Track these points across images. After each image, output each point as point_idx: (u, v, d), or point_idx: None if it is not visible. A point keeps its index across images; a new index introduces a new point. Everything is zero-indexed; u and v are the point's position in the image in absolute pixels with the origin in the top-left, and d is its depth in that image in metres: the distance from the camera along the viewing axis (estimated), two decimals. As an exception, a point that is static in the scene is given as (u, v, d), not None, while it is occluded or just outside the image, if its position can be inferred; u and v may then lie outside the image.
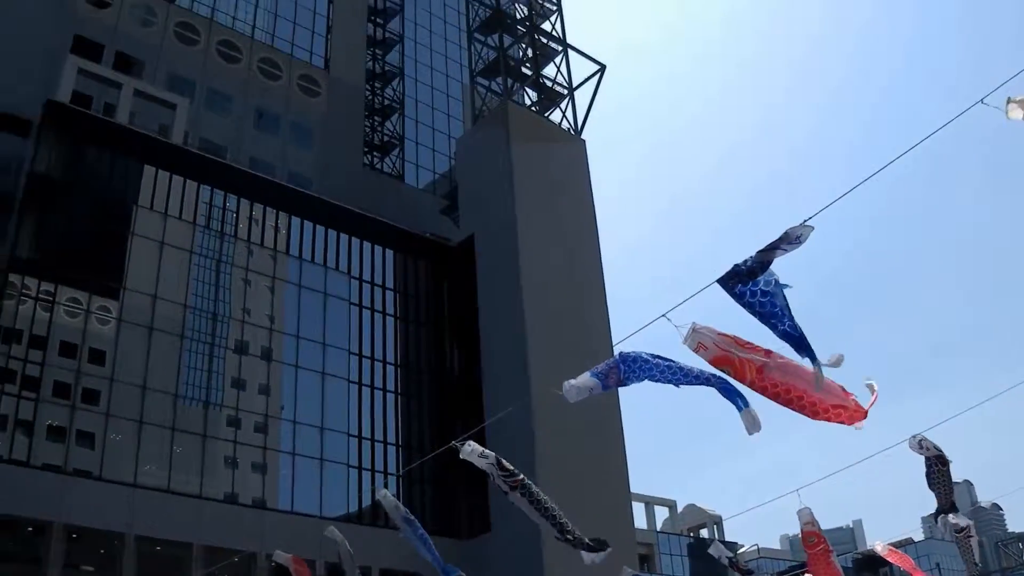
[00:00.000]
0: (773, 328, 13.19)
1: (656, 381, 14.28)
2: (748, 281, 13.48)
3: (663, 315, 13.40)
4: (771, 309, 13.26)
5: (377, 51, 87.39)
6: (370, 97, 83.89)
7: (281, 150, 72.51)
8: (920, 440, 18.74)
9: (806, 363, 13.30)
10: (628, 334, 14.61)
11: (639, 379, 14.30)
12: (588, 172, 70.06)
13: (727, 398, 13.99)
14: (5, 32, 61.00)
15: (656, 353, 14.29)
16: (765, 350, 13.78)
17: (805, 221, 12.85)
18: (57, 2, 65.15)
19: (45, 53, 60.80)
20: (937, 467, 18.83)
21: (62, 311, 51.16)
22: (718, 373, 13.99)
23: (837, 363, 13.16)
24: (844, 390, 14.04)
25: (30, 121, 54.09)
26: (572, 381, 13.97)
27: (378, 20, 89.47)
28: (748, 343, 13.82)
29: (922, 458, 18.90)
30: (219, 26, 74.48)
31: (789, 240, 12.99)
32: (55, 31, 63.25)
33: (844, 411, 13.95)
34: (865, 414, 13.83)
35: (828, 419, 14.07)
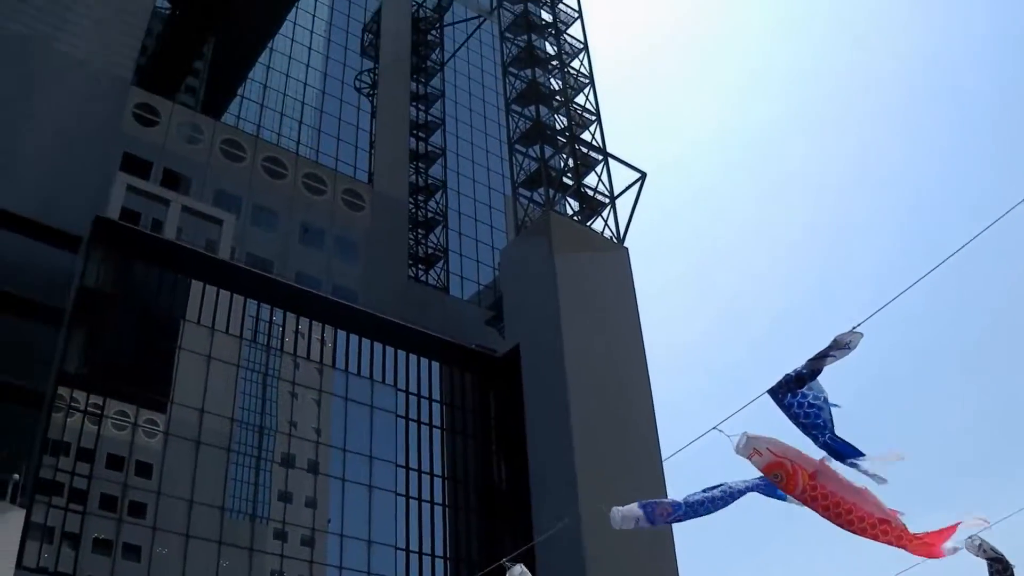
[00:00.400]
0: (815, 439, 13.12)
1: (709, 514, 14.23)
2: (798, 390, 13.41)
3: (715, 427, 13.34)
4: (815, 420, 13.19)
5: (420, 165, 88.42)
6: (414, 210, 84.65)
7: (326, 264, 73.03)
8: (979, 543, 18.27)
9: (852, 475, 13.17)
10: (678, 448, 14.52)
11: (691, 518, 14.26)
12: (632, 280, 69.99)
13: (770, 495, 13.89)
14: (56, 149, 62.34)
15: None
16: (819, 460, 13.67)
17: (854, 328, 12.76)
18: (106, 120, 66.59)
19: (95, 170, 61.98)
20: (998, 572, 18.33)
21: (110, 424, 51.32)
22: (762, 477, 13.87)
23: (898, 458, 13.01)
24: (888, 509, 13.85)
25: (80, 237, 54.90)
26: (620, 509, 13.90)
27: (420, 134, 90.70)
28: (801, 454, 13.71)
29: (983, 562, 18.40)
30: (264, 143, 75.79)
31: (839, 347, 12.92)
32: (105, 149, 64.56)
33: (890, 528, 13.75)
34: (938, 544, 13.60)
35: (875, 537, 13.87)
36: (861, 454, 13.17)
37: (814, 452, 13.52)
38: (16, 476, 42.16)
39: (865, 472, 13.20)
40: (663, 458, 59.73)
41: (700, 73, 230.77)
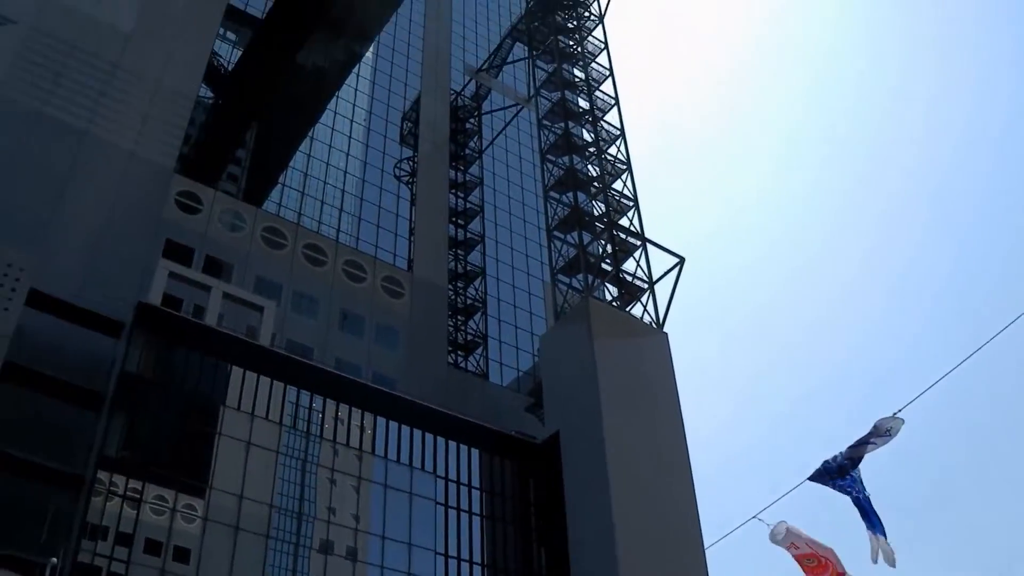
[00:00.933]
0: (848, 493, 13.08)
1: None
2: (837, 478, 13.42)
3: (754, 516, 13.31)
4: (851, 483, 13.15)
5: (459, 251, 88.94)
6: (453, 297, 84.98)
7: (366, 351, 73.23)
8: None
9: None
10: (720, 537, 14.53)
11: None
12: (671, 365, 69.64)
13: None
14: (99, 235, 63.24)
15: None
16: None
17: (896, 413, 12.74)
18: (149, 207, 67.56)
19: (137, 256, 62.74)
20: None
21: (148, 509, 51.23)
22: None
23: (889, 559, 12.99)
24: None
25: (122, 322, 55.33)
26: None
27: (459, 221, 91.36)
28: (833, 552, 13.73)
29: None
30: (305, 230, 76.52)
31: (879, 434, 12.91)
32: (147, 235, 65.43)
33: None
34: None
35: None
36: (884, 535, 13.15)
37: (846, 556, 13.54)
38: (54, 560, 42.25)
39: (882, 550, 13.19)
40: (705, 545, 59.19)
41: (735, 142, 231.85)
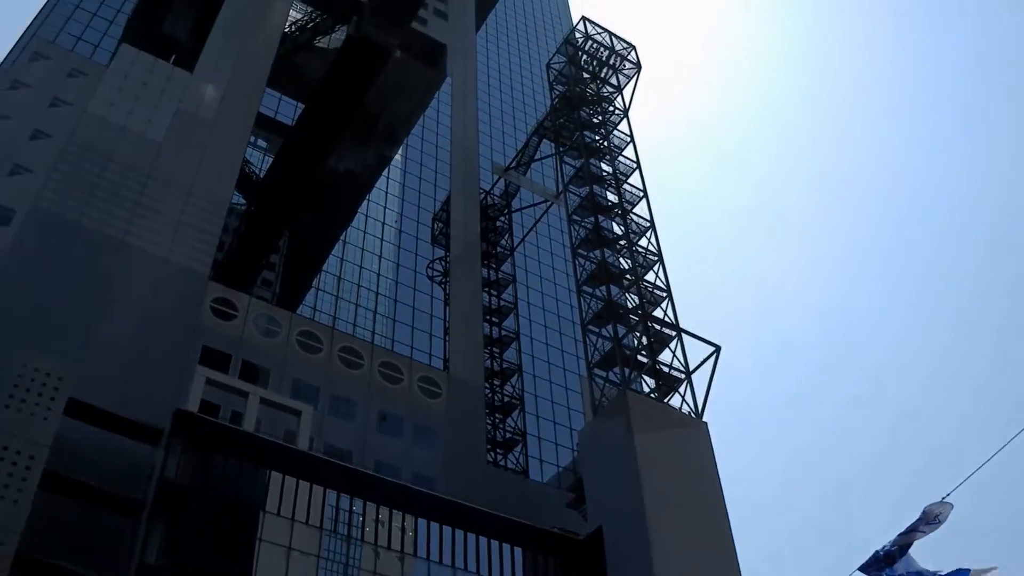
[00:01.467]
0: None
1: None
2: (887, 567, 13.18)
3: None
4: (901, 570, 12.90)
5: (494, 349, 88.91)
6: (490, 395, 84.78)
7: (405, 451, 72.98)
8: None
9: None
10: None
11: None
12: (713, 454, 68.91)
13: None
14: (135, 343, 63.68)
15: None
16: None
17: (944, 498, 12.51)
18: (185, 314, 68.07)
19: (174, 363, 63.08)
20: None
21: (190, 616, 51.02)
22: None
23: None
24: None
25: (160, 429, 55.42)
26: None
27: (493, 319, 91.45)
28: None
29: None
30: (340, 333, 76.79)
31: (928, 520, 12.66)
32: (183, 342, 65.85)
33: None
34: None
35: None
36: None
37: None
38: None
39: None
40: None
41: (762, 229, 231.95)
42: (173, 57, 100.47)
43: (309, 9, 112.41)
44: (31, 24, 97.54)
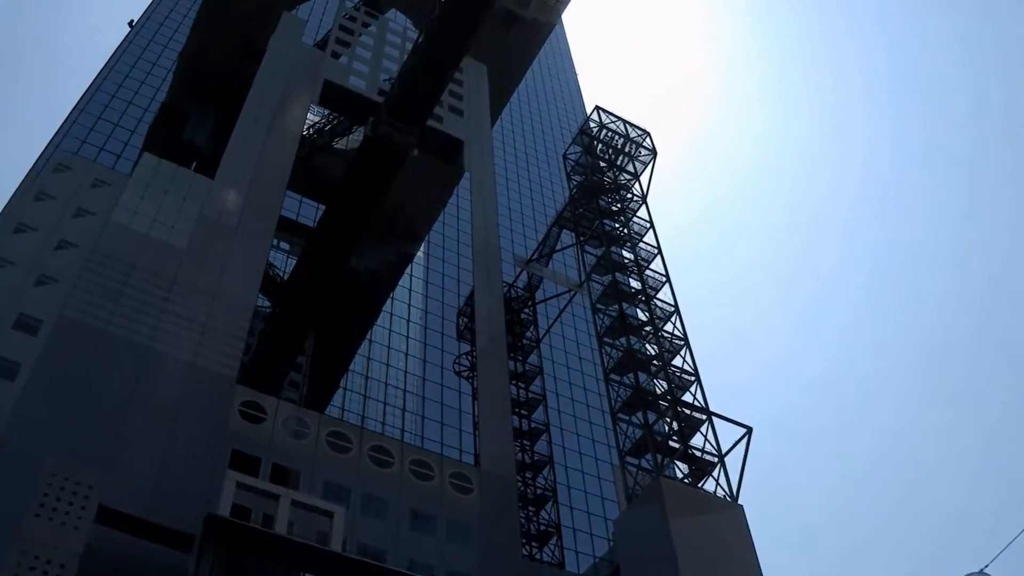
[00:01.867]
0: None
1: None
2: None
3: None
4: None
5: (525, 442, 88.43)
6: (523, 488, 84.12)
7: (439, 549, 72.17)
8: None
9: None
10: None
11: None
12: (750, 537, 67.99)
13: None
14: (164, 448, 63.52)
15: None
16: None
17: (983, 569, 12.13)
18: (213, 419, 67.91)
19: (203, 467, 62.80)
20: None
21: None
22: None
23: None
24: None
25: (191, 535, 54.97)
26: None
27: (523, 412, 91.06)
28: None
29: None
30: (369, 432, 76.45)
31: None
32: (212, 446, 65.65)
33: None
34: None
35: None
36: None
37: None
38: None
39: None
40: None
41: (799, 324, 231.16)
42: (194, 164, 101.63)
43: (326, 112, 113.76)
44: (55, 135, 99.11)
